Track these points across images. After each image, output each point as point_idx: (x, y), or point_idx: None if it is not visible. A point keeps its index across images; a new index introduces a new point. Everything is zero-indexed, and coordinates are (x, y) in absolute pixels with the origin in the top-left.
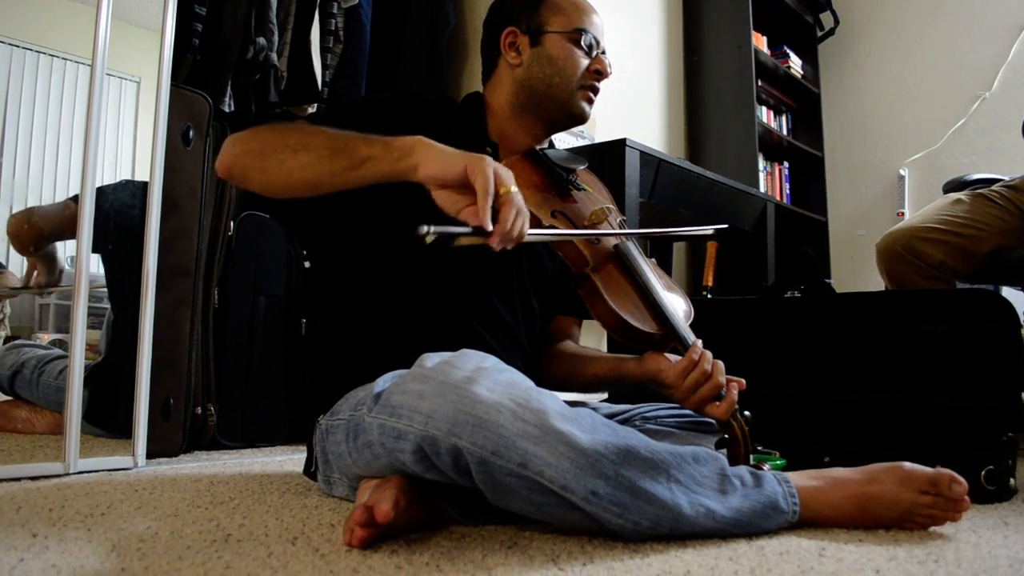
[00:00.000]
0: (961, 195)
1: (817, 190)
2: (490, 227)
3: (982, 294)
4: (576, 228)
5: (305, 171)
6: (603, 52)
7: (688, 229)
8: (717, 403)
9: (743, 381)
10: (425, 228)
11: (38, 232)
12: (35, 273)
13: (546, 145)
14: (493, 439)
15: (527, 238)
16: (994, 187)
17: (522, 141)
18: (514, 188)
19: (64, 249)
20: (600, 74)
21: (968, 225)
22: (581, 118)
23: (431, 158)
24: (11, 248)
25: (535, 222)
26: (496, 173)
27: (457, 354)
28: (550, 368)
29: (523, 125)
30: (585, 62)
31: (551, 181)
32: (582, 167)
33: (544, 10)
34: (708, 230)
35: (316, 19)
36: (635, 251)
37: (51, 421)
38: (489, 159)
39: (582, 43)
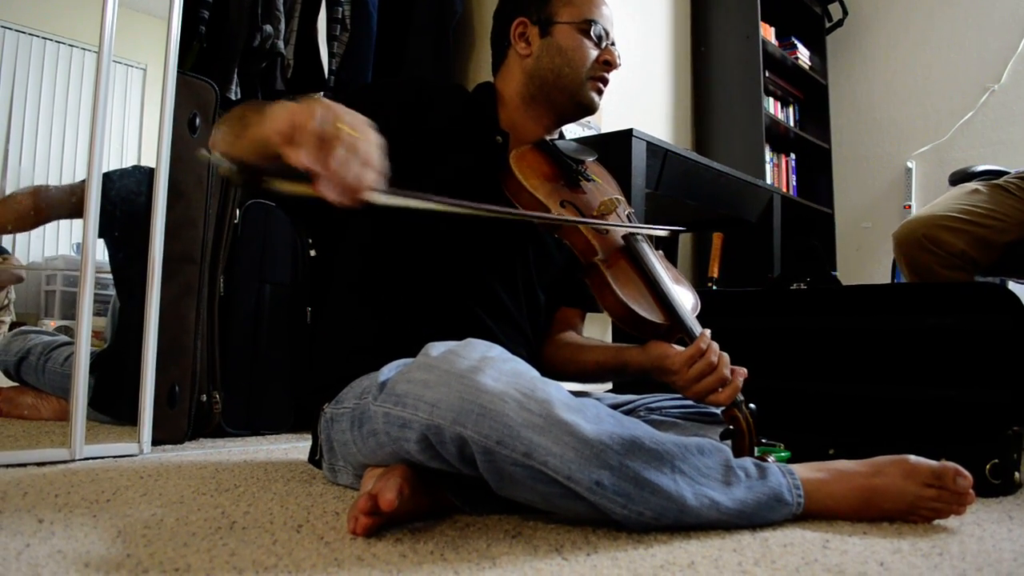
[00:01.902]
0: (977, 185)
1: (824, 182)
2: (307, 164)
3: (989, 287)
4: (585, 218)
5: (220, 141)
6: (612, 43)
7: (648, 227)
8: (720, 389)
9: (745, 370)
10: (219, 158)
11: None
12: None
13: (556, 136)
14: (498, 428)
15: (376, 196)
16: (1009, 178)
17: (532, 131)
18: (351, 127)
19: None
20: (609, 65)
21: (988, 215)
22: (590, 108)
23: (274, 114)
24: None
25: (542, 211)
26: (335, 113)
27: (462, 343)
28: (551, 356)
29: (533, 115)
30: (595, 53)
31: (561, 171)
32: (591, 158)
33: (554, 1)
34: (663, 231)
35: (323, 7)
36: (644, 243)
37: (57, 407)
38: (330, 102)
39: (592, 34)
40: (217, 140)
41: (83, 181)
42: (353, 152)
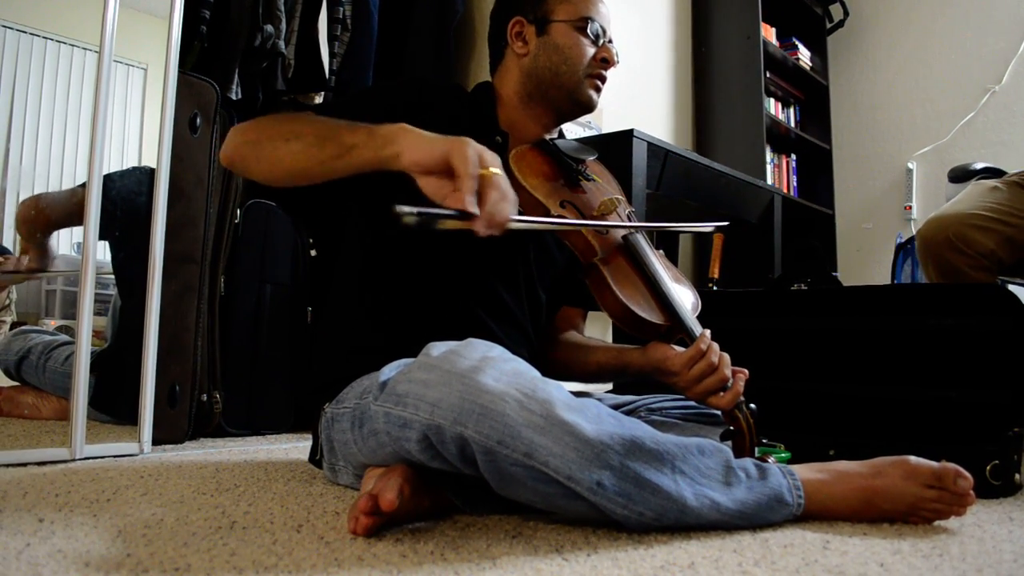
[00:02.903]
0: (997, 183)
1: (824, 183)
2: (474, 210)
3: (990, 289)
4: (585, 218)
5: (295, 160)
6: (610, 41)
7: (691, 225)
8: (722, 393)
9: (746, 372)
10: (403, 208)
11: (46, 219)
12: (26, 258)
13: (556, 135)
14: (499, 428)
15: (513, 225)
16: None
17: (532, 131)
18: (497, 170)
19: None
20: (607, 62)
21: (1013, 214)
22: (588, 106)
23: (413, 145)
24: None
25: (543, 212)
26: (480, 155)
27: (463, 343)
28: (552, 357)
29: (532, 115)
30: (592, 51)
31: (561, 171)
32: (592, 158)
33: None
34: (709, 227)
35: (324, 7)
36: (644, 243)
37: (57, 407)
38: (472, 141)
39: (588, 31)
40: (284, 155)
41: (81, 185)
42: (502, 194)
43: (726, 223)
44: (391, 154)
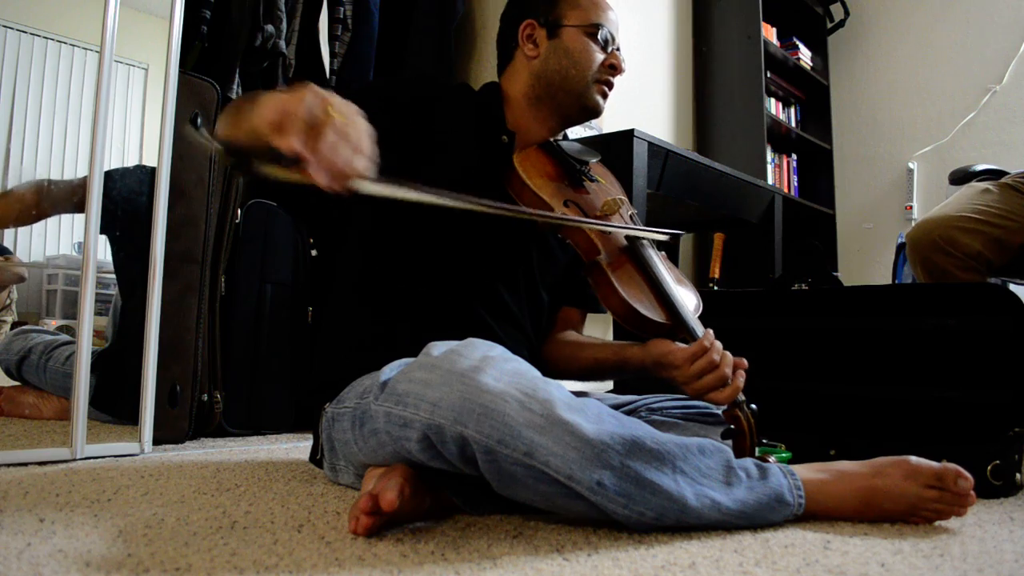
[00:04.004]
0: (988, 185)
1: (825, 183)
2: (299, 149)
3: (990, 288)
4: (588, 218)
5: (221, 131)
6: (618, 48)
7: (649, 230)
8: (721, 388)
9: (745, 362)
10: (190, 131)
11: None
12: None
13: (560, 137)
14: (499, 428)
15: (366, 185)
16: (1017, 178)
17: (538, 132)
18: (341, 113)
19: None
20: (615, 69)
21: (1003, 216)
22: (595, 111)
23: (264, 103)
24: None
25: (546, 211)
26: (323, 98)
27: (464, 343)
28: (552, 355)
29: (539, 117)
30: (600, 57)
31: (565, 172)
32: (595, 159)
33: (562, 4)
34: (664, 236)
35: (324, 7)
36: (647, 243)
37: (58, 407)
38: (315, 86)
39: (598, 38)
40: (217, 132)
41: (85, 178)
42: (343, 138)
43: (680, 232)
44: (253, 120)
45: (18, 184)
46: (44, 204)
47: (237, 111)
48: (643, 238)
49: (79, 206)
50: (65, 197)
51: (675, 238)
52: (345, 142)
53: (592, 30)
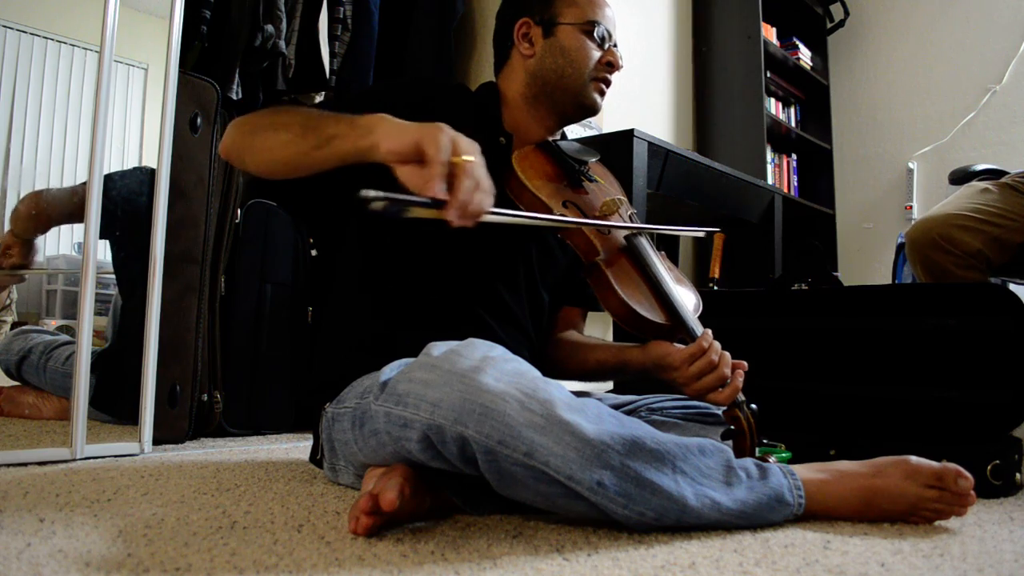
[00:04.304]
0: (988, 184)
1: (825, 183)
2: (443, 196)
3: (990, 288)
4: (587, 218)
5: (282, 150)
6: (615, 45)
7: (684, 229)
8: (720, 389)
9: (745, 364)
10: (370, 193)
11: (47, 216)
12: (8, 254)
13: (559, 137)
14: (499, 428)
15: (489, 217)
16: (1016, 178)
17: (535, 132)
18: (473, 158)
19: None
20: (612, 66)
21: (1002, 215)
22: (593, 109)
23: (388, 133)
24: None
25: (545, 212)
26: (454, 141)
27: (464, 343)
28: (551, 355)
29: (536, 116)
30: (597, 54)
31: (564, 172)
32: (594, 159)
33: (558, 2)
34: (700, 232)
35: (324, 7)
36: (646, 244)
37: (58, 407)
38: (446, 127)
39: (595, 35)
40: (273, 145)
41: (83, 183)
42: (474, 180)
43: (716, 229)
44: (369, 144)
45: (19, 201)
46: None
47: (316, 131)
48: (643, 236)
49: (78, 212)
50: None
51: (710, 235)
52: (477, 186)
53: (588, 27)
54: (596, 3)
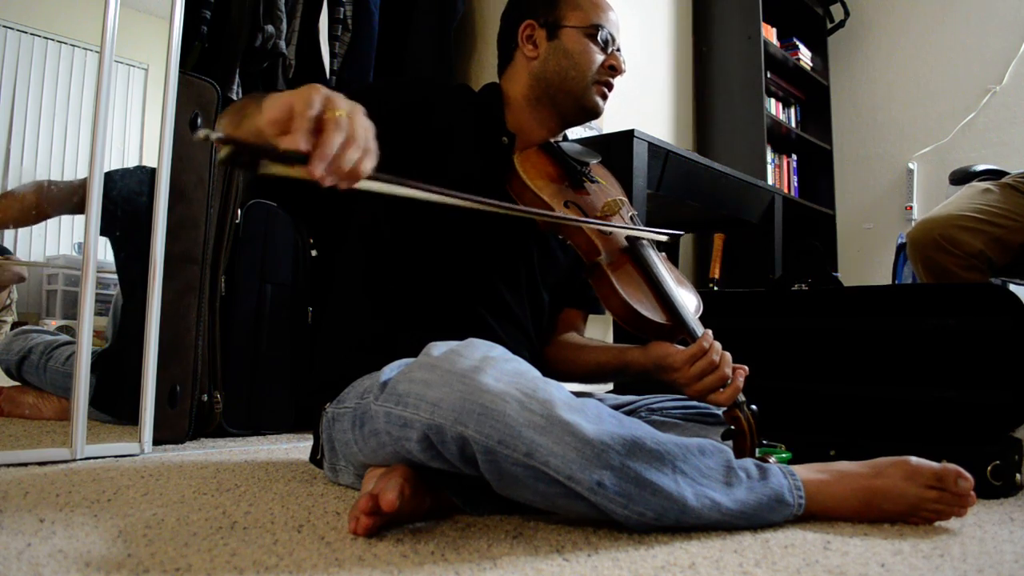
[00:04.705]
0: (989, 185)
1: (825, 183)
2: (304, 147)
3: (991, 289)
4: (586, 219)
5: (228, 130)
6: (618, 49)
7: (648, 230)
8: (721, 389)
9: (746, 368)
10: (215, 134)
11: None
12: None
13: (561, 138)
14: (499, 428)
15: (366, 183)
16: (1018, 178)
17: (537, 133)
18: (345, 111)
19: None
20: (615, 70)
21: (1004, 215)
22: (595, 112)
23: (269, 104)
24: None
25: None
26: (328, 97)
27: (464, 343)
28: (552, 357)
29: (538, 117)
30: (600, 58)
31: (565, 173)
32: (596, 161)
33: (562, 5)
34: (663, 236)
35: (324, 7)
36: (648, 244)
37: (58, 407)
38: (321, 86)
39: (598, 39)
40: (223, 126)
41: (85, 179)
42: (348, 136)
43: (680, 232)
44: (260, 119)
45: (18, 185)
46: (44, 205)
47: (240, 111)
48: (643, 238)
49: (79, 207)
50: (65, 198)
51: (674, 238)
52: (350, 140)
53: (592, 31)
54: (600, 7)
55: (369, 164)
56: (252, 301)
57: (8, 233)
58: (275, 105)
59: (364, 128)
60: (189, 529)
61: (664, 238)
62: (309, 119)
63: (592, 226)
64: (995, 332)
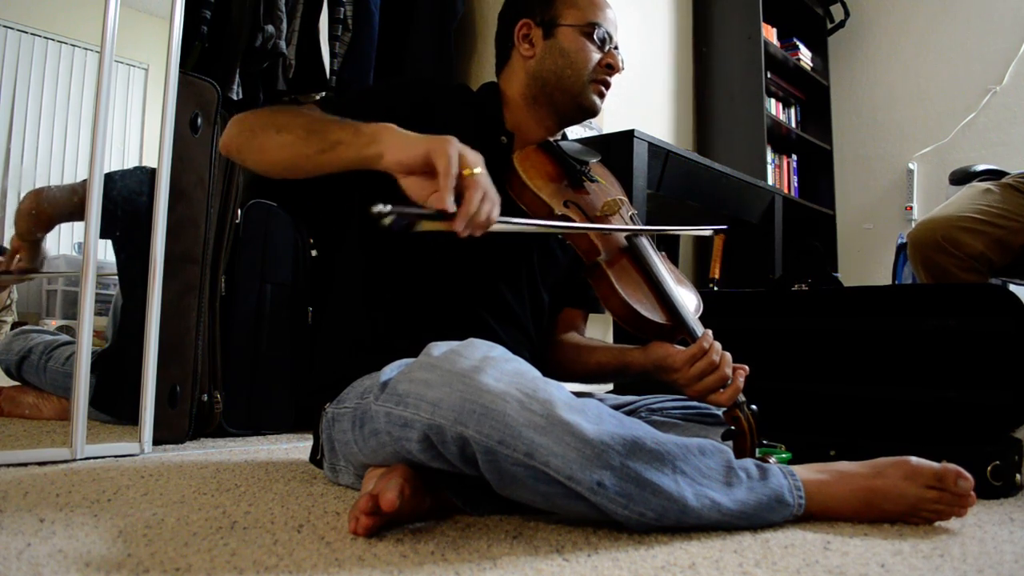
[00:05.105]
0: (990, 185)
1: (825, 183)
2: (452, 209)
3: (991, 289)
4: (588, 218)
5: (284, 151)
6: (616, 47)
7: (689, 228)
8: (721, 390)
9: (746, 368)
10: (382, 207)
11: (48, 215)
12: (17, 258)
13: (559, 137)
14: (499, 428)
15: (497, 226)
16: (1018, 178)
17: (536, 132)
18: (480, 170)
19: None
20: (612, 68)
21: (1004, 216)
22: (592, 111)
23: (395, 144)
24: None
25: (547, 211)
26: (461, 154)
27: (464, 343)
28: (553, 357)
29: (536, 117)
30: (597, 56)
31: (565, 172)
32: (595, 160)
33: (558, 3)
34: (707, 231)
35: (325, 7)
36: (647, 244)
37: (58, 407)
38: (454, 140)
39: (595, 37)
40: (274, 146)
41: (84, 181)
42: (482, 192)
43: (725, 227)
44: (374, 153)
45: (20, 200)
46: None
47: (321, 136)
48: (644, 237)
49: (79, 208)
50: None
51: (716, 232)
52: (485, 198)
53: (588, 29)
54: (597, 5)
55: (497, 213)
56: (252, 301)
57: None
58: (404, 150)
59: (489, 180)
60: (189, 529)
61: (708, 233)
62: (454, 178)
63: (597, 230)
64: (995, 332)
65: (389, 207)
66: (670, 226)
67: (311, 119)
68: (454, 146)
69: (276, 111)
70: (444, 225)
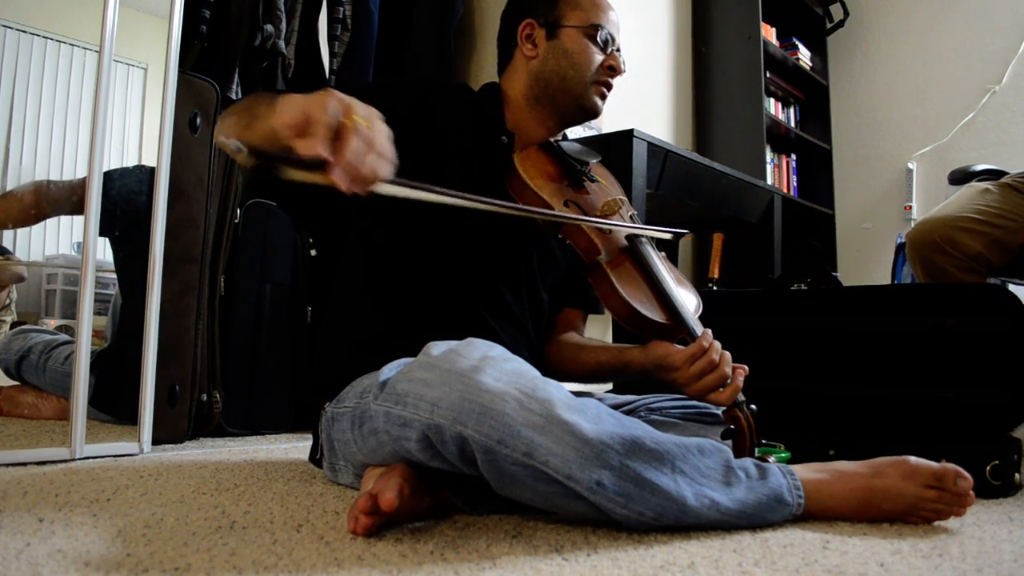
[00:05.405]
0: (988, 185)
1: (824, 183)
2: (325, 155)
3: (990, 289)
4: (587, 217)
5: (229, 131)
6: (618, 49)
7: (653, 228)
8: (721, 389)
9: (746, 368)
10: (234, 142)
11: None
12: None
13: (560, 137)
14: (499, 428)
15: (390, 188)
16: (1017, 178)
17: (537, 133)
18: (368, 122)
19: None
20: (614, 70)
21: (1003, 216)
22: (593, 112)
23: (283, 107)
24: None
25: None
26: (346, 104)
27: (463, 343)
28: (552, 357)
29: (537, 117)
30: (599, 58)
31: (565, 172)
32: (595, 160)
33: (562, 4)
34: (668, 234)
35: (324, 7)
36: (648, 244)
37: (57, 406)
38: (338, 92)
39: (598, 39)
40: (224, 130)
41: (84, 179)
42: (367, 143)
43: (684, 231)
44: (275, 122)
45: (17, 186)
46: (44, 205)
47: (250, 110)
48: (644, 237)
49: (78, 206)
50: (65, 197)
51: (678, 236)
52: (368, 147)
53: (591, 31)
54: (600, 7)
55: (386, 170)
56: (251, 301)
57: (7, 233)
58: (292, 108)
59: (382, 134)
60: (188, 529)
61: (668, 236)
62: (328, 125)
63: (592, 225)
64: (994, 332)
65: (242, 143)
66: (633, 224)
67: (253, 99)
68: (336, 96)
69: (250, 97)
70: (320, 177)
